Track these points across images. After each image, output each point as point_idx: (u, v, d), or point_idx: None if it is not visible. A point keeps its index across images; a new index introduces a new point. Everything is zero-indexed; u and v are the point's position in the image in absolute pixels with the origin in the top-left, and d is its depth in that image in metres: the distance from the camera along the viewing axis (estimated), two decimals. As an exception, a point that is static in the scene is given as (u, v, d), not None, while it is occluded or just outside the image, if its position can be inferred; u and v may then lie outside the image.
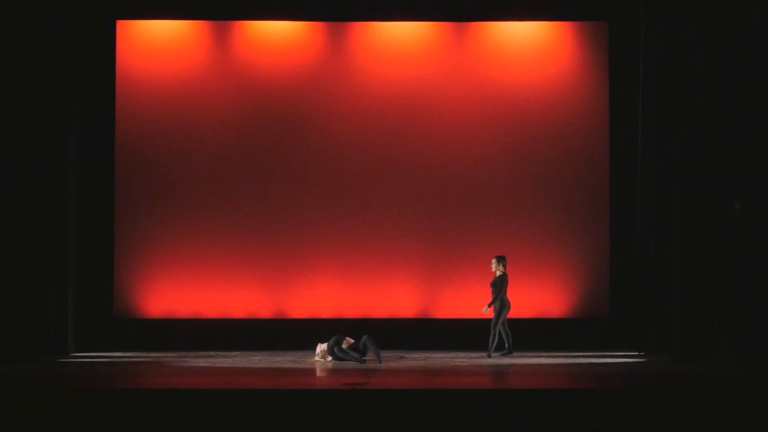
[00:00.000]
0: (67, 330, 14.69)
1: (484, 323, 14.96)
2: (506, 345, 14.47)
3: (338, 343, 13.75)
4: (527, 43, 16.13)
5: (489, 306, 14.38)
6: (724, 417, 9.73)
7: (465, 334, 15.28)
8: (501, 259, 14.57)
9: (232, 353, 14.83)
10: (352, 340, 13.83)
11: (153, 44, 16.02)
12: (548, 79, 16.05)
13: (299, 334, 15.45)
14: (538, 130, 15.99)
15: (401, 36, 16.13)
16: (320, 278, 15.86)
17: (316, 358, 13.85)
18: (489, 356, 14.28)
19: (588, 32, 16.09)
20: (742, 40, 12.83)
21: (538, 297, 15.66)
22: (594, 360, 13.89)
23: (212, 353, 14.78)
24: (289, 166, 16.01)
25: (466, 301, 15.61)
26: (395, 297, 15.79)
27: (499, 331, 14.43)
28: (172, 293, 15.64)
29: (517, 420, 9.77)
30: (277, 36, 16.10)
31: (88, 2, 15.39)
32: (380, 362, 13.30)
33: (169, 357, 14.35)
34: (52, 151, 14.52)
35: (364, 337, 13.69)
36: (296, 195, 15.98)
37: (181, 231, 15.83)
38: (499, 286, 14.45)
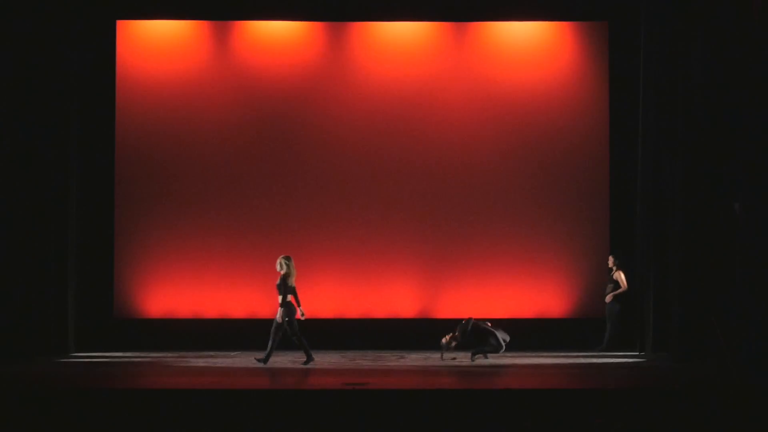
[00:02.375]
0: (67, 330, 14.68)
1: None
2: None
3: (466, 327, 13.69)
4: (527, 43, 16.12)
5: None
6: (724, 417, 9.73)
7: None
8: None
9: (232, 353, 14.83)
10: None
11: (153, 44, 16.02)
12: (548, 79, 16.04)
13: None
14: (538, 130, 15.98)
15: (401, 36, 16.12)
16: (320, 278, 15.85)
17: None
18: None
19: (588, 32, 16.09)
20: (743, 40, 12.82)
21: (538, 297, 15.64)
22: (594, 360, 13.89)
23: (212, 353, 14.78)
24: (288, 166, 16.00)
25: (466, 301, 15.61)
26: (395, 297, 15.78)
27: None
28: (172, 293, 15.63)
29: (517, 420, 9.76)
30: (277, 36, 16.09)
31: (88, 2, 15.39)
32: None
33: (169, 357, 14.35)
34: (52, 151, 14.51)
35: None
36: (296, 195, 15.98)
37: (181, 231, 15.83)
38: None
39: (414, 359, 14.06)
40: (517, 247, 15.79)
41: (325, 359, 13.88)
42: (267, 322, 15.65)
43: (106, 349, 15.18)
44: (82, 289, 15.23)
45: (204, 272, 15.75)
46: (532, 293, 15.55)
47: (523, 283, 15.53)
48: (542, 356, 14.38)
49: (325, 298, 15.83)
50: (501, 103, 16.06)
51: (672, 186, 13.99)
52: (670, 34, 14.08)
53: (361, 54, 16.12)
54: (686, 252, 13.62)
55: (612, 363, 13.51)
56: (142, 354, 14.71)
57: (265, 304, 15.78)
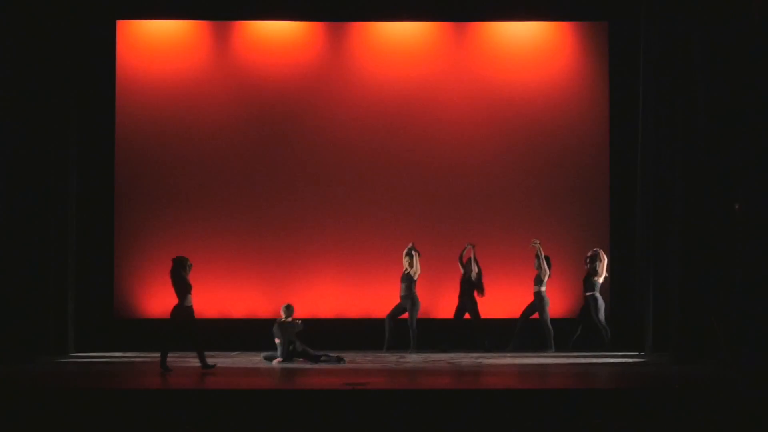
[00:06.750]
0: (67, 330, 14.68)
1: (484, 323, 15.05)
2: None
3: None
4: (527, 43, 16.13)
5: None
6: (724, 417, 9.73)
7: (465, 334, 15.27)
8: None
9: (232, 353, 14.83)
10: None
11: (153, 44, 16.03)
12: (548, 79, 16.05)
13: (299, 334, 15.46)
14: (538, 130, 15.99)
15: (401, 36, 16.13)
16: (320, 278, 15.86)
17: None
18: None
19: (588, 32, 16.10)
20: (743, 39, 12.82)
21: (538, 297, 15.63)
22: (594, 360, 13.89)
23: (212, 353, 14.76)
24: (288, 166, 16.01)
25: (466, 301, 15.59)
26: (395, 297, 15.76)
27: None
28: (172, 293, 15.59)
29: (517, 420, 9.76)
30: (277, 36, 16.10)
31: (88, 2, 15.39)
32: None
33: (169, 357, 14.32)
34: (52, 151, 14.51)
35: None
36: (296, 195, 15.99)
37: (181, 231, 15.83)
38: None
39: (414, 359, 14.06)
40: (516, 247, 15.77)
41: (325, 359, 13.87)
42: (267, 322, 15.70)
43: (106, 349, 15.17)
44: (82, 289, 15.23)
45: (204, 272, 15.69)
46: (532, 293, 15.51)
47: (523, 282, 15.51)
48: (542, 356, 14.39)
49: (325, 298, 15.84)
50: (501, 103, 16.06)
51: (672, 185, 13.99)
52: (670, 34, 14.07)
53: (361, 54, 16.13)
54: (686, 251, 13.62)
55: (612, 363, 13.50)
56: (142, 354, 14.70)
57: (265, 304, 15.80)
